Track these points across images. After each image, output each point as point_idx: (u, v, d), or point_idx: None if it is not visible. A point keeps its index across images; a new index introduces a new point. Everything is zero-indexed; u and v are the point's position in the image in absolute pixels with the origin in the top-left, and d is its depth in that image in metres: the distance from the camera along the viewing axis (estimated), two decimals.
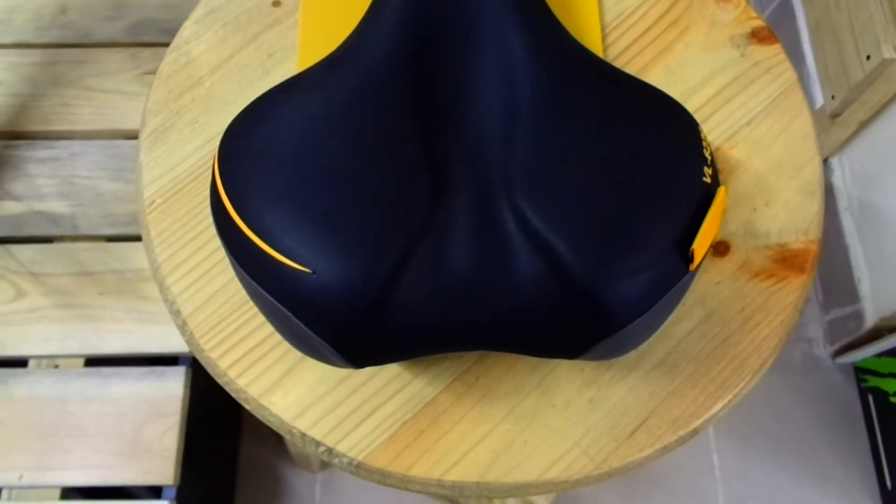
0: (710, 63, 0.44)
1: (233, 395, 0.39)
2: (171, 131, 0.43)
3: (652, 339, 0.39)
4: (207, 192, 0.42)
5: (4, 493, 0.77)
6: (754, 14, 0.47)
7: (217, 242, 0.40)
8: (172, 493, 0.78)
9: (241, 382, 0.38)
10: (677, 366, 0.39)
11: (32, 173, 0.88)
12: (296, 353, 0.39)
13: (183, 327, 0.39)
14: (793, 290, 0.40)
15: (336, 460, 0.37)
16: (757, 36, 0.46)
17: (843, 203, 1.02)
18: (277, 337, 0.39)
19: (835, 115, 0.96)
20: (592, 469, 0.37)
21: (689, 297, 0.40)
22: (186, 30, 0.46)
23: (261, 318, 0.39)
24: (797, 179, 0.42)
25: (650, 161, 0.33)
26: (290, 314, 0.31)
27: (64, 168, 0.89)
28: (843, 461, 1.00)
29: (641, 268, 0.31)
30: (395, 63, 0.34)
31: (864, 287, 0.98)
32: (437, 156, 0.33)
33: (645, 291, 0.31)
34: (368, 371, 0.39)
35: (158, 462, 0.78)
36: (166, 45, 0.94)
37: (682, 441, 0.38)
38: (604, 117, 0.34)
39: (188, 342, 0.40)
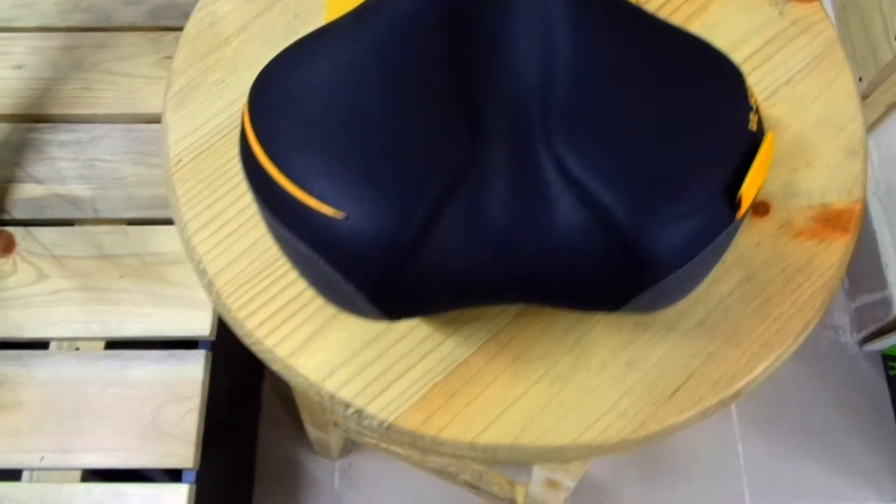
0: (747, 22, 0.43)
1: (260, 355, 0.38)
2: (196, 91, 0.43)
3: (691, 298, 0.38)
4: (234, 151, 0.41)
5: (25, 474, 0.77)
6: None
7: (245, 201, 0.40)
8: (192, 476, 0.78)
9: (269, 343, 0.37)
10: (717, 327, 0.38)
11: (54, 156, 0.88)
12: (324, 314, 0.38)
13: (209, 287, 0.39)
14: (836, 251, 0.39)
15: (365, 422, 0.36)
16: None
17: (870, 188, 1.00)
18: (306, 297, 0.38)
19: (862, 98, 0.95)
20: (630, 432, 0.36)
21: (729, 258, 0.39)
22: None
23: (289, 277, 0.38)
24: (839, 138, 0.41)
25: (694, 107, 0.32)
26: (323, 261, 0.30)
27: (85, 151, 0.89)
28: (871, 449, 0.97)
29: (687, 214, 0.30)
30: (428, 8, 0.33)
31: (892, 273, 0.96)
32: (472, 104, 0.32)
33: (690, 238, 0.30)
34: (398, 331, 0.38)
35: (178, 445, 0.78)
36: None
37: (723, 404, 0.37)
38: (645, 62, 0.32)
39: (214, 302, 0.39)
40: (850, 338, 1.03)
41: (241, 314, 0.38)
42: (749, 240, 0.40)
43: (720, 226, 0.30)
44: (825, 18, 0.43)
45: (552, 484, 0.61)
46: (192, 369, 0.80)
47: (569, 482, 0.60)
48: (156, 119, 0.91)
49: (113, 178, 0.88)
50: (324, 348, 0.37)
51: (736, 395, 0.37)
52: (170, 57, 0.93)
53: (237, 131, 0.41)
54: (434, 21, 0.33)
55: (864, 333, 1.01)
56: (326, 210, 0.29)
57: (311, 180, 0.30)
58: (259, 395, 1.07)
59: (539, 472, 0.60)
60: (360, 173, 0.30)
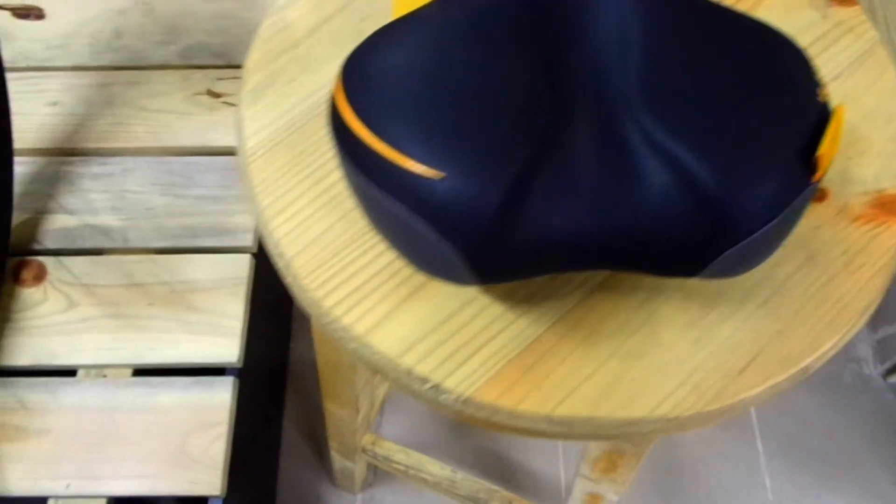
0: (790, 24, 0.46)
1: (336, 334, 0.38)
2: (269, 88, 0.44)
3: (755, 278, 0.39)
4: (306, 144, 0.42)
5: (51, 501, 0.75)
6: None
7: (319, 188, 0.41)
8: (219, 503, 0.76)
9: (346, 321, 0.38)
10: (782, 306, 0.39)
11: (86, 188, 0.90)
12: (399, 293, 0.39)
13: (286, 269, 0.39)
14: (894, 234, 0.40)
15: (442, 398, 0.37)
16: None
17: None
18: (381, 277, 0.39)
19: None
20: (703, 405, 0.36)
21: (790, 241, 0.40)
22: None
23: (365, 258, 0.39)
24: (889, 128, 0.43)
25: (767, 77, 0.33)
26: (421, 222, 0.31)
27: (116, 183, 0.90)
28: None
29: (767, 174, 0.31)
30: None
31: None
32: (556, 80, 0.34)
33: (771, 200, 0.31)
34: (471, 310, 0.39)
35: (205, 472, 0.77)
36: (217, 67, 0.97)
37: (792, 380, 0.37)
38: (719, 37, 0.34)
39: (291, 285, 0.40)
40: (873, 370, 1.03)
41: (318, 294, 0.38)
42: (808, 224, 0.41)
43: (798, 188, 0.32)
44: (866, 21, 0.46)
45: (594, 499, 0.61)
46: (220, 396, 0.80)
47: (612, 496, 0.60)
48: (185, 152, 0.93)
49: (143, 209, 0.89)
50: (399, 326, 0.38)
51: (805, 371, 0.38)
52: (199, 93, 0.96)
53: (308, 126, 0.43)
54: (518, 8, 0.35)
55: (887, 365, 1.02)
56: (425, 171, 0.31)
57: (409, 144, 0.31)
58: (280, 425, 1.06)
59: (581, 486, 0.59)
60: (456, 136, 0.31)
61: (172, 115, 0.94)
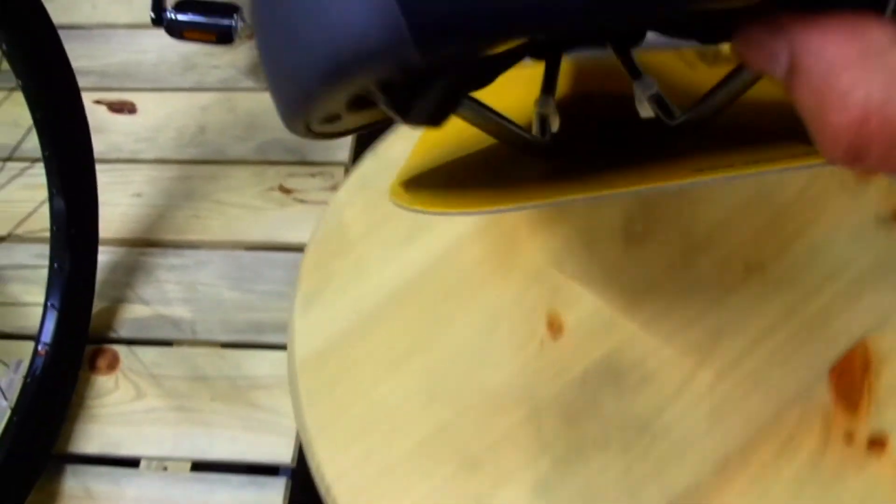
0: (851, 243, 0.44)
1: None
2: (321, 295, 0.46)
3: None
4: (355, 356, 0.44)
5: None
6: None
7: (366, 402, 0.43)
8: None
9: None
10: None
11: (162, 279, 0.95)
12: None
13: (326, 493, 0.41)
14: None
15: None
16: None
17: None
18: None
19: None
20: None
21: None
22: (341, 195, 0.50)
23: (406, 481, 0.41)
24: None
25: None
26: None
27: (189, 275, 0.95)
28: None
29: None
30: None
31: None
32: None
33: None
34: None
35: None
36: (289, 163, 1.01)
37: None
38: None
39: None
40: None
41: None
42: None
43: None
44: None
45: None
46: (272, 496, 0.83)
47: None
48: (254, 246, 0.97)
49: (212, 302, 0.94)
50: None
51: None
52: (272, 188, 1.00)
53: (356, 336, 0.45)
54: None
55: None
56: None
57: None
58: None
59: None
60: None
61: (246, 209, 0.98)
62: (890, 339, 0.43)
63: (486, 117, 0.31)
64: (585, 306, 0.45)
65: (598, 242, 0.47)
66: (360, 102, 0.25)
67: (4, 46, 0.70)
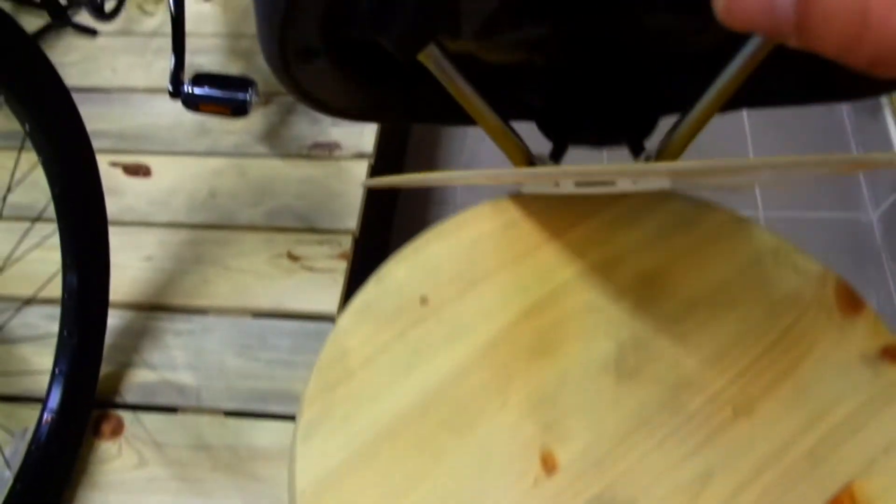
0: (838, 383, 0.45)
1: None
2: (323, 424, 0.48)
3: None
4: (354, 486, 0.46)
5: None
6: (884, 329, 0.47)
7: None
8: None
9: None
10: None
11: (169, 345, 0.96)
12: None
13: None
14: None
15: None
16: (890, 353, 0.46)
17: None
18: None
19: None
20: None
21: None
22: (344, 321, 0.51)
23: None
24: None
25: None
26: None
27: (196, 341, 0.96)
28: None
29: None
30: None
31: None
32: None
33: None
34: None
35: None
36: (297, 230, 1.02)
37: None
38: None
39: None
40: None
41: None
42: None
43: None
44: None
45: None
46: None
47: None
48: (260, 313, 0.98)
49: (217, 369, 0.95)
50: None
51: None
52: (279, 255, 1.02)
53: (356, 466, 0.46)
54: None
55: None
56: None
57: None
58: None
59: None
60: None
61: (254, 275, 1.00)
62: (876, 484, 0.44)
63: (448, 71, 0.33)
64: (578, 443, 0.46)
65: (591, 377, 0.48)
66: (333, 22, 0.26)
67: (27, 126, 0.72)
